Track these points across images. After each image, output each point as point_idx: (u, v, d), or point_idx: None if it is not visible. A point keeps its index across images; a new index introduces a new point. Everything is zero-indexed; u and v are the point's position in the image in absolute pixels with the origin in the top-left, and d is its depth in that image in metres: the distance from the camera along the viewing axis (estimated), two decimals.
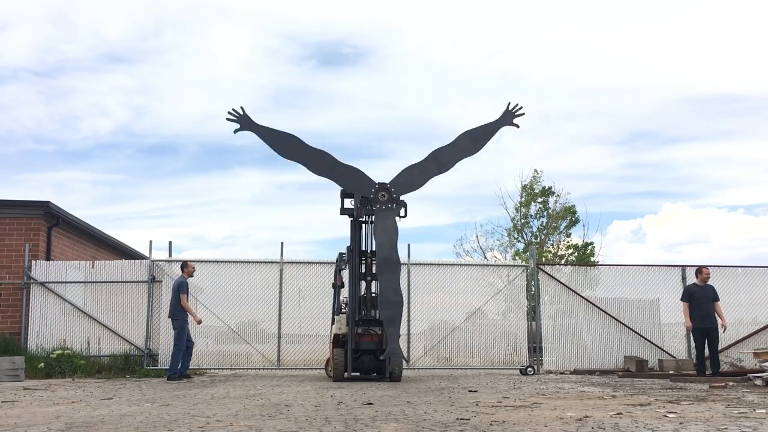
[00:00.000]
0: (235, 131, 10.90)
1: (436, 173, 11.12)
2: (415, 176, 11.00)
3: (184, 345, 11.28)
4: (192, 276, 11.81)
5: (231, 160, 57.37)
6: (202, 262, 13.98)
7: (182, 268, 11.76)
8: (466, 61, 46.95)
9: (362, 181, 10.96)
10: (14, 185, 61.07)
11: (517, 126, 11.31)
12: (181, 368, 11.24)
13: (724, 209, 47.27)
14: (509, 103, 11.38)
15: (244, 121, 10.84)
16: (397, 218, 10.96)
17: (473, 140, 11.21)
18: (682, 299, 11.71)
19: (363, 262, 11.12)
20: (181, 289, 11.35)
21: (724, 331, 11.49)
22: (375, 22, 50.36)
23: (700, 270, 11.78)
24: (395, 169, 11.09)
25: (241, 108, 10.88)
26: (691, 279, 12.52)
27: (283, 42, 55.02)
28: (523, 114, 11.37)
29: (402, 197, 10.94)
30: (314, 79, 57.82)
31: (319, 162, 10.94)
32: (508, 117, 11.18)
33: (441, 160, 11.05)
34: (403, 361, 11.76)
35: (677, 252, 49.38)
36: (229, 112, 10.85)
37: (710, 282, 11.64)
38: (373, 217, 10.92)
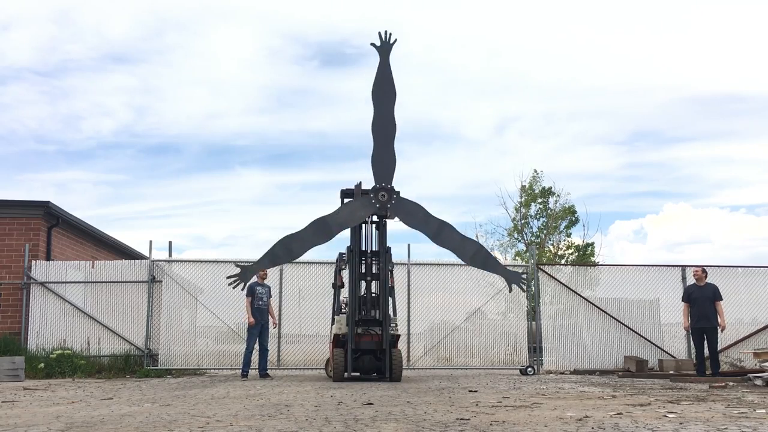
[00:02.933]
0: (243, 289, 10.79)
1: (428, 235, 10.82)
2: (416, 217, 10.79)
3: (251, 346, 11.86)
4: (262, 279, 12.13)
5: (233, 160, 57.40)
6: (202, 262, 14.01)
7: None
8: (469, 61, 46.95)
9: (388, 172, 10.87)
10: (16, 185, 61.07)
11: (510, 289, 11.18)
12: (244, 368, 11.86)
13: (726, 209, 47.31)
14: (525, 273, 11.62)
15: (243, 276, 10.57)
16: (395, 219, 10.96)
17: (476, 255, 11.00)
18: (682, 300, 11.76)
19: (363, 262, 11.12)
20: (246, 292, 11.69)
21: (722, 331, 11.49)
22: (378, 23, 50.32)
23: (693, 271, 11.88)
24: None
25: (235, 265, 10.75)
26: (691, 279, 12.52)
27: (285, 42, 55.06)
28: (525, 290, 11.64)
29: (395, 186, 10.89)
30: (317, 79, 57.84)
31: (385, 127, 10.89)
32: (515, 278, 10.99)
33: (441, 235, 10.77)
34: (403, 361, 11.75)
35: (679, 252, 49.43)
36: (227, 277, 10.54)
37: (710, 281, 11.64)
38: (389, 217, 10.87)
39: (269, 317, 12.17)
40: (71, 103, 55.72)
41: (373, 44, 10.96)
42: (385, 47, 10.94)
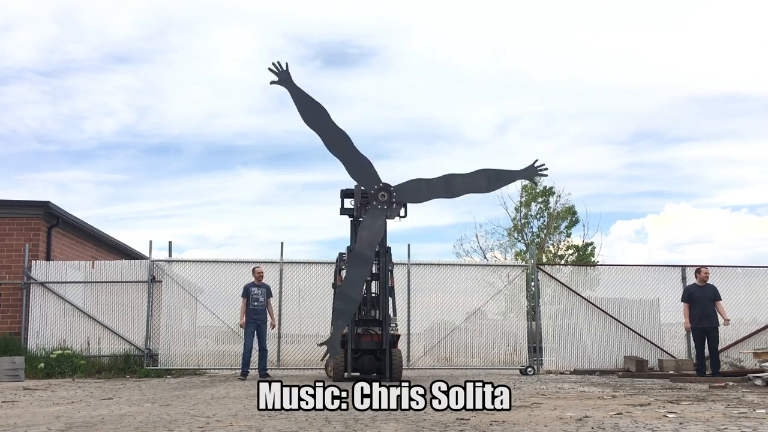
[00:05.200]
0: (272, 83, 10.67)
1: (442, 196, 10.91)
2: (421, 189, 10.85)
3: (248, 346, 11.84)
4: (258, 279, 12.10)
5: (234, 160, 57.38)
6: (202, 262, 14.00)
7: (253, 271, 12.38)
8: (471, 61, 46.95)
9: (370, 174, 10.82)
10: (17, 185, 61.02)
11: (535, 183, 11.16)
12: (243, 368, 11.87)
13: (728, 209, 47.25)
14: (536, 160, 11.28)
15: (283, 77, 10.51)
16: (397, 218, 10.93)
17: (488, 180, 10.98)
18: (682, 300, 11.73)
19: None
20: (242, 293, 11.97)
21: (726, 325, 11.45)
22: (380, 23, 50.38)
23: (699, 270, 11.81)
24: (398, 169, 11.09)
25: (286, 64, 10.67)
26: (691, 279, 12.52)
27: (287, 42, 55.00)
28: (547, 174, 11.24)
29: (400, 206, 10.86)
30: (319, 79, 57.86)
31: (338, 140, 10.75)
32: (531, 172, 10.92)
33: (451, 187, 10.82)
34: (403, 361, 11.75)
35: (680, 252, 49.37)
36: (273, 64, 10.49)
37: (710, 282, 11.64)
38: (392, 216, 10.87)
39: (267, 317, 12.14)
40: (73, 103, 55.74)
41: (272, 82, 10.59)
42: (283, 75, 10.58)
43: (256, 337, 11.95)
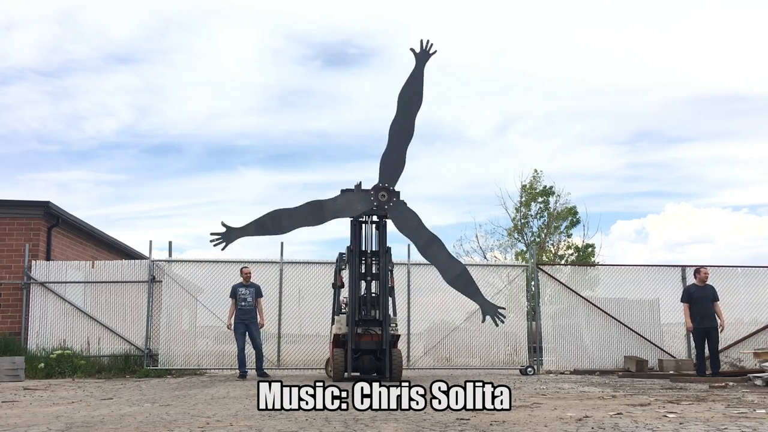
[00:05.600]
0: (223, 249, 10.74)
1: (404, 144, 11.00)
2: (411, 223, 10.91)
3: (240, 346, 11.87)
4: (246, 280, 12.07)
5: (235, 160, 57.41)
6: (202, 262, 13.99)
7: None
8: (472, 61, 46.95)
9: (360, 198, 10.95)
10: (18, 185, 61.07)
11: (435, 51, 11.14)
12: (240, 368, 11.92)
13: (728, 209, 47.26)
14: (420, 43, 11.17)
15: (227, 237, 10.61)
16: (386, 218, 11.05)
17: (459, 279, 10.96)
18: (681, 300, 11.72)
19: (363, 262, 11.12)
20: (230, 293, 12.05)
21: (722, 331, 11.51)
22: (380, 23, 50.38)
23: (698, 270, 11.81)
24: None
25: (222, 224, 10.70)
26: (692, 279, 12.51)
27: (288, 42, 55.06)
28: (435, 51, 11.21)
29: (399, 189, 10.94)
30: (319, 79, 57.83)
31: (314, 213, 10.92)
32: (491, 310, 10.91)
33: (430, 249, 10.91)
34: (403, 361, 11.77)
35: (680, 252, 49.41)
36: (211, 233, 10.58)
37: (711, 282, 11.65)
38: (386, 219, 10.96)
39: (257, 316, 12.03)
40: (74, 103, 55.76)
41: (412, 49, 11.02)
42: (423, 56, 11.02)
43: (248, 336, 11.93)
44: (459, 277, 10.96)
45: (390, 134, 11.01)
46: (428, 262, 14.07)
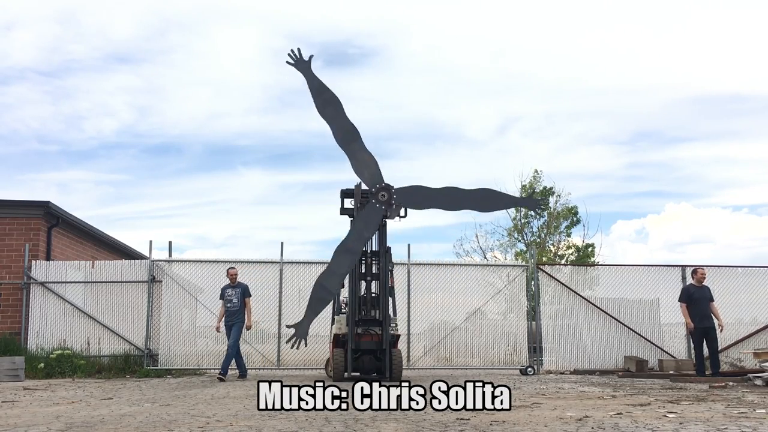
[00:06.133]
0: (288, 62, 10.66)
1: (442, 208, 10.99)
2: (422, 196, 10.84)
3: (229, 347, 11.65)
4: (232, 281, 11.92)
5: (235, 160, 57.41)
6: (201, 262, 13.99)
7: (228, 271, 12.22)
8: (472, 61, 46.96)
9: (374, 173, 10.82)
10: (18, 185, 61.06)
11: (534, 214, 11.16)
12: (238, 368, 11.92)
13: (728, 209, 47.26)
14: (539, 192, 11.20)
15: (302, 65, 10.60)
16: (397, 218, 10.95)
17: (487, 202, 11.01)
18: (680, 300, 11.71)
19: (363, 262, 11.12)
20: (220, 295, 11.96)
21: (721, 331, 11.52)
22: (381, 23, 50.38)
23: (695, 271, 11.84)
24: (398, 168, 11.07)
25: (310, 56, 10.68)
26: (691, 279, 12.51)
27: (289, 42, 54.86)
28: (548, 208, 11.13)
29: (399, 207, 10.85)
30: (320, 79, 57.79)
31: (348, 135, 10.77)
32: (531, 203, 10.88)
33: (452, 201, 10.85)
34: (403, 361, 11.76)
35: (680, 252, 49.39)
36: (292, 50, 10.63)
37: (711, 282, 11.66)
38: (391, 216, 10.87)
39: (243, 317, 11.79)
40: (74, 103, 55.76)
41: (288, 62, 10.75)
42: (302, 63, 10.73)
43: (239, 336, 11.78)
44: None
45: (341, 145, 10.73)
46: (428, 263, 14.22)
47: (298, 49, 10.72)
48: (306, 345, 10.31)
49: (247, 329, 11.94)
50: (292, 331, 10.19)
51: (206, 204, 54.43)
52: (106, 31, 50.71)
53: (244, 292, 11.88)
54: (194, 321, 14.09)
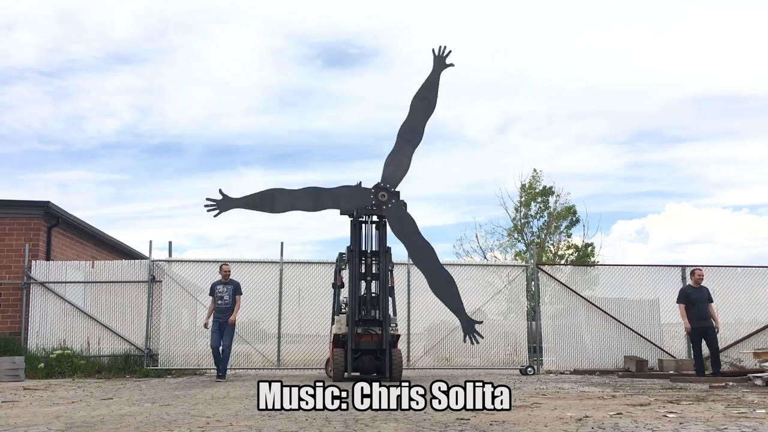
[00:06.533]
0: (215, 216, 10.84)
1: (412, 147, 11.19)
2: (397, 161, 11.11)
3: (213, 345, 11.54)
4: (225, 277, 11.79)
5: (235, 160, 57.46)
6: (201, 262, 13.98)
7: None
8: (472, 61, 46.96)
9: (358, 194, 11.01)
10: (18, 185, 61.12)
11: (452, 65, 11.37)
12: (217, 369, 11.72)
13: (729, 209, 47.25)
14: (434, 49, 11.39)
15: (223, 205, 10.74)
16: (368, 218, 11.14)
17: (425, 100, 11.28)
18: (678, 301, 11.69)
19: (363, 262, 11.12)
20: (209, 291, 11.87)
21: (718, 332, 11.51)
22: (381, 23, 50.38)
23: (693, 272, 11.85)
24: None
25: (219, 191, 10.80)
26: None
27: (289, 42, 55.09)
28: (451, 52, 11.41)
29: (400, 189, 11.06)
30: (320, 79, 57.85)
31: (311, 199, 10.99)
32: (441, 62, 11.25)
33: (409, 134, 11.14)
34: (403, 361, 11.78)
35: (681, 252, 49.42)
36: (207, 199, 10.78)
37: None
38: (385, 219, 11.02)
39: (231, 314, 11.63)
40: (74, 103, 55.80)
41: (433, 51, 11.26)
42: (440, 62, 11.26)
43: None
44: (446, 291, 11.05)
45: (399, 135, 11.16)
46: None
47: (445, 48, 11.28)
48: (216, 216, 10.76)
49: (229, 324, 11.62)
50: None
51: None
52: (106, 31, 50.76)
53: (236, 290, 11.77)
54: (194, 321, 14.08)
